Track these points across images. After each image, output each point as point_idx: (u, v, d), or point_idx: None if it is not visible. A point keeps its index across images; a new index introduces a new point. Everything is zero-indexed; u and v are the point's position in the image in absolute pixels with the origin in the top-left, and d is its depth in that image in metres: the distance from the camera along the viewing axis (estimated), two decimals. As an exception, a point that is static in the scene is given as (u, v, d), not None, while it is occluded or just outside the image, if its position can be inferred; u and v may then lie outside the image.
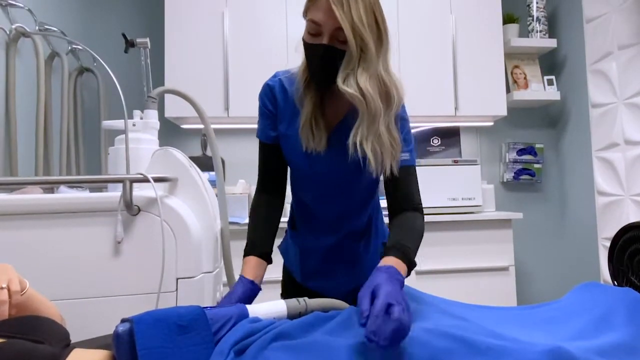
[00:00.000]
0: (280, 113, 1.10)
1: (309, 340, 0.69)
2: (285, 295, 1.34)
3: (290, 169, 1.16)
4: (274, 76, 1.16)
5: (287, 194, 1.18)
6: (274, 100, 1.11)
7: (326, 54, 0.94)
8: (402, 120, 1.04)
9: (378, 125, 0.95)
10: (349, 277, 1.18)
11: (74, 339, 0.81)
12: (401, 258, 0.87)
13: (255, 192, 1.17)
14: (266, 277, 2.50)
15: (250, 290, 0.99)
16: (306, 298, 0.88)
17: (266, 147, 1.13)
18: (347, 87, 0.92)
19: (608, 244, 1.44)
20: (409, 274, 0.89)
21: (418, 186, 1.07)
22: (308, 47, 1.00)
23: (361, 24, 0.90)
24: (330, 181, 1.10)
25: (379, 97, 0.95)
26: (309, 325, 0.75)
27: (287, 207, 1.30)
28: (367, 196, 1.16)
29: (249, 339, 0.67)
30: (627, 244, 1.44)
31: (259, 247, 1.08)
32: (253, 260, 1.06)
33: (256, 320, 0.74)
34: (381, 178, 1.06)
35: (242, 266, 1.05)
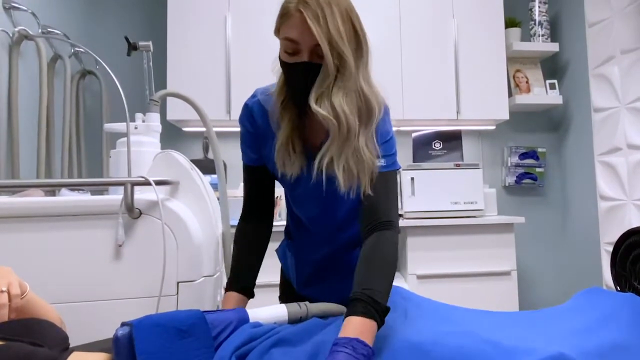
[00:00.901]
0: (262, 135, 1.05)
1: (308, 345, 0.69)
2: (283, 297, 1.32)
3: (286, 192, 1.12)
4: (253, 96, 1.10)
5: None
6: (254, 122, 1.07)
7: (307, 72, 0.88)
8: (378, 127, 0.95)
9: (352, 144, 0.88)
10: (344, 285, 1.04)
11: (73, 342, 0.81)
12: (369, 315, 0.75)
13: (240, 219, 1.12)
14: (265, 280, 2.49)
15: None
16: (307, 302, 0.88)
17: (249, 169, 1.10)
18: (319, 107, 0.85)
19: (610, 248, 1.44)
20: (382, 321, 0.78)
21: (395, 195, 0.97)
22: (287, 66, 0.93)
23: (339, 37, 0.84)
24: (316, 201, 1.03)
25: (358, 114, 0.89)
26: (309, 331, 0.74)
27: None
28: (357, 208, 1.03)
29: (250, 344, 0.67)
30: (630, 249, 1.43)
31: (240, 281, 1.03)
32: (233, 297, 1.00)
33: (257, 325, 0.74)
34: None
35: (222, 302, 1.01)
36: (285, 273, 1.30)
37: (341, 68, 0.86)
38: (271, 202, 1.12)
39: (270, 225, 1.14)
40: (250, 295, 1.04)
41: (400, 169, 0.97)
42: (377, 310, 0.76)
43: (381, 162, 0.94)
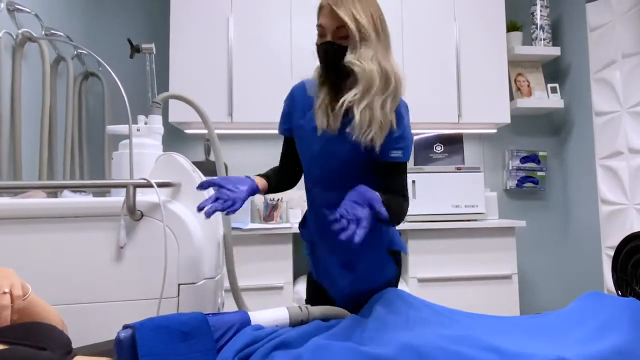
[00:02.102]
0: (296, 106, 1.27)
1: (310, 346, 0.69)
2: (309, 288, 1.46)
3: (301, 159, 1.29)
4: (299, 82, 1.31)
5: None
6: (292, 98, 1.29)
7: (330, 48, 1.10)
8: (399, 116, 1.12)
9: (373, 98, 1.06)
10: (349, 279, 1.23)
11: (75, 344, 0.81)
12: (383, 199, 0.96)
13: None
14: (269, 282, 2.49)
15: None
16: (308, 305, 0.88)
17: (284, 139, 1.36)
18: (351, 60, 1.07)
19: (612, 253, 1.43)
20: (383, 221, 1.00)
21: (406, 182, 1.19)
22: (318, 47, 1.15)
23: (359, 16, 1.07)
24: (333, 160, 1.19)
25: (378, 77, 1.07)
26: (310, 334, 0.74)
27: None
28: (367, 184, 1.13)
29: (252, 346, 0.67)
30: (631, 253, 1.43)
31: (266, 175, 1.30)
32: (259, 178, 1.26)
33: (259, 327, 0.74)
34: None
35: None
36: (309, 269, 1.43)
37: (363, 38, 1.07)
38: (296, 165, 1.33)
39: (293, 180, 1.40)
40: (269, 182, 1.28)
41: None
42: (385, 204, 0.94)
43: (398, 153, 1.13)
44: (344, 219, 0.85)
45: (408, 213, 2.28)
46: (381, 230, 1.23)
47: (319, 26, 1.13)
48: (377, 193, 0.97)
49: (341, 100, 1.08)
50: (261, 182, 1.24)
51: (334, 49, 1.10)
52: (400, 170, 1.16)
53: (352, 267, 1.22)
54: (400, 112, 1.13)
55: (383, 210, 0.91)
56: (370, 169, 1.16)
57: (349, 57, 1.07)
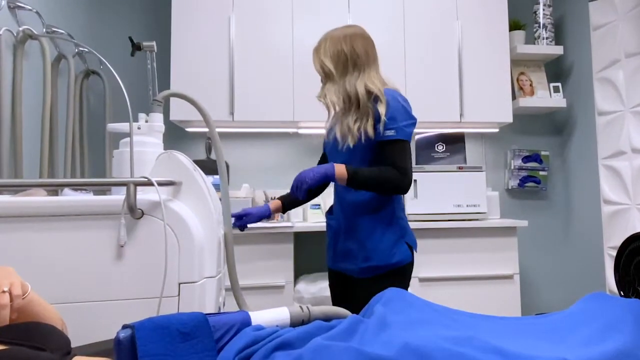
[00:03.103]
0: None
1: (311, 347, 0.69)
2: (331, 283, 1.67)
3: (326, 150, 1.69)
4: None
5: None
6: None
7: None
8: (386, 105, 1.41)
9: (345, 117, 1.46)
10: (360, 256, 1.48)
11: (74, 342, 0.81)
12: (348, 168, 1.39)
13: None
14: (270, 281, 2.49)
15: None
16: (309, 305, 0.88)
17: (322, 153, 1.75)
18: (318, 99, 1.53)
19: (614, 253, 1.43)
20: (350, 183, 1.39)
21: (403, 156, 1.41)
22: None
23: (326, 59, 1.48)
24: (331, 155, 1.59)
25: (342, 101, 1.46)
26: (312, 334, 0.74)
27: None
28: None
29: (253, 347, 0.66)
30: (633, 253, 1.42)
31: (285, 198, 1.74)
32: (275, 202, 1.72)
33: (259, 327, 0.74)
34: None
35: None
36: (327, 263, 1.66)
37: (328, 78, 1.50)
38: None
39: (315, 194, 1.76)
40: (285, 206, 1.74)
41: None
42: (352, 170, 1.39)
43: (391, 132, 1.40)
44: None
45: (410, 212, 2.44)
46: (385, 214, 1.49)
47: None
48: (334, 164, 1.39)
49: (328, 129, 1.57)
50: (273, 205, 1.69)
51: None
52: (394, 147, 1.41)
53: (366, 240, 1.47)
54: (387, 100, 1.42)
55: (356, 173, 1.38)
56: (363, 161, 1.46)
57: (318, 94, 1.52)
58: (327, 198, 2.14)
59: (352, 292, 1.53)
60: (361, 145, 1.43)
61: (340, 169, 1.38)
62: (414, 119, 1.47)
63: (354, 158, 1.47)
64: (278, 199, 1.72)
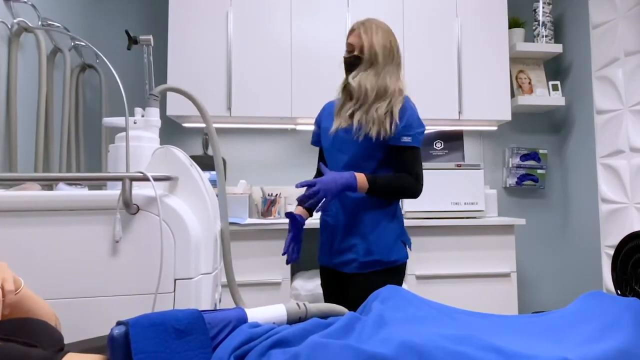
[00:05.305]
0: (324, 115, 1.62)
1: (307, 344, 0.68)
2: (324, 281, 1.64)
3: (324, 150, 1.61)
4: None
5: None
6: (323, 110, 1.65)
7: (355, 61, 1.48)
8: (404, 110, 1.44)
9: (367, 107, 1.44)
10: (362, 249, 1.47)
11: (68, 339, 0.80)
12: (368, 177, 1.39)
13: None
14: (266, 278, 2.48)
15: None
16: (306, 302, 0.87)
17: (318, 151, 1.69)
18: (352, 80, 1.47)
19: (611, 252, 1.43)
20: (370, 192, 1.40)
21: (418, 164, 1.45)
22: (345, 60, 1.52)
23: (377, 45, 1.45)
24: (338, 150, 1.52)
25: (373, 91, 1.43)
26: (308, 332, 0.73)
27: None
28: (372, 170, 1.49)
29: (249, 344, 0.66)
30: (631, 252, 1.42)
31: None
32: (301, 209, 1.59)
33: (256, 325, 0.73)
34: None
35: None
36: (319, 261, 1.64)
37: (374, 63, 1.46)
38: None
39: None
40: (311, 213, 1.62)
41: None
42: (373, 178, 1.40)
43: (407, 139, 1.43)
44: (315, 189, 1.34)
45: (407, 210, 2.44)
46: (389, 211, 1.50)
47: (348, 43, 1.51)
48: (354, 173, 1.39)
49: (346, 108, 1.49)
50: (300, 211, 1.58)
51: (355, 62, 1.48)
52: (411, 153, 1.44)
53: (370, 233, 1.46)
54: (406, 107, 1.45)
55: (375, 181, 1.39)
56: (372, 158, 1.47)
57: (350, 77, 1.47)
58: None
59: (346, 289, 1.51)
60: (371, 142, 1.43)
61: (361, 179, 1.38)
62: (424, 126, 1.50)
63: (364, 153, 1.46)
64: (299, 205, 1.57)
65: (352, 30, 1.51)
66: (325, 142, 1.58)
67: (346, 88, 1.52)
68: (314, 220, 2.41)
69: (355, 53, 1.46)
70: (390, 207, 1.50)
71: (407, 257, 1.52)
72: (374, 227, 1.47)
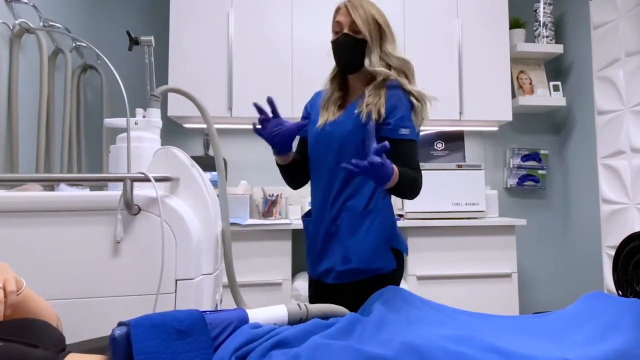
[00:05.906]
0: (313, 105, 1.47)
1: (308, 345, 0.68)
2: (311, 293, 1.49)
3: (309, 146, 1.44)
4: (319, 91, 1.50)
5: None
6: (312, 101, 1.50)
7: (346, 40, 1.31)
8: (401, 100, 1.30)
9: (375, 90, 1.30)
10: (339, 257, 1.31)
11: (70, 339, 0.80)
12: (399, 169, 1.16)
13: None
14: (268, 278, 2.48)
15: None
16: (307, 303, 0.87)
17: (299, 140, 1.50)
18: (367, 67, 1.30)
19: (612, 252, 1.43)
20: (391, 189, 1.19)
21: (417, 157, 1.30)
22: (333, 43, 1.35)
23: (367, 19, 1.29)
24: (327, 145, 1.35)
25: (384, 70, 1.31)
26: (309, 332, 0.73)
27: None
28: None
29: (250, 345, 0.66)
30: (632, 253, 1.42)
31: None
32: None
33: (257, 325, 0.73)
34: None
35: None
36: (308, 272, 1.47)
37: (375, 38, 1.31)
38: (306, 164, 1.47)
39: (304, 178, 1.51)
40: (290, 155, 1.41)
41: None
42: (400, 174, 1.16)
43: (406, 131, 1.28)
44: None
45: (408, 210, 2.40)
46: (380, 214, 1.31)
47: (337, 22, 1.33)
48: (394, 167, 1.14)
49: (364, 105, 1.28)
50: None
51: (349, 41, 1.30)
52: (412, 147, 1.29)
53: (347, 238, 1.30)
54: (401, 97, 1.31)
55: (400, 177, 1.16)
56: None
57: (366, 63, 1.30)
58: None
59: (331, 302, 1.27)
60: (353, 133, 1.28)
61: (395, 175, 1.15)
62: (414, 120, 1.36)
63: (354, 150, 1.27)
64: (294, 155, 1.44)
65: (337, 10, 1.34)
66: (311, 136, 1.42)
67: (335, 78, 1.39)
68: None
69: (345, 31, 1.29)
70: (375, 207, 1.30)
71: (394, 265, 1.30)
72: (352, 230, 1.28)
